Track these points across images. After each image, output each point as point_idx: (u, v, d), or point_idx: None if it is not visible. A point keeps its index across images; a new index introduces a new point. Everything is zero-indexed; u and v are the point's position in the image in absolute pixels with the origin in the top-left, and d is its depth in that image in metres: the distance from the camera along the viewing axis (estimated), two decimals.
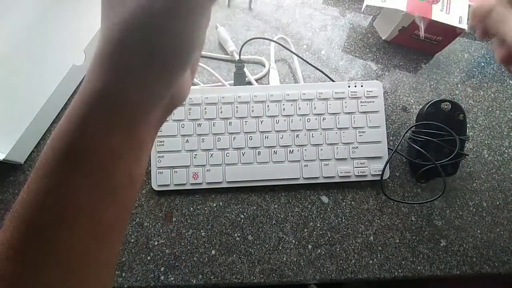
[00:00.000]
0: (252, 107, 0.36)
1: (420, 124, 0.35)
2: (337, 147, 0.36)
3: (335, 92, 0.36)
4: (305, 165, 0.35)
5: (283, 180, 0.35)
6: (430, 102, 0.35)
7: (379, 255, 0.34)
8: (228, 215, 0.35)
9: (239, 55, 0.39)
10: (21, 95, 0.37)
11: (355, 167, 0.35)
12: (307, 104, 0.36)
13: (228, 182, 0.35)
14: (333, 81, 0.39)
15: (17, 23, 0.41)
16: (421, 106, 0.40)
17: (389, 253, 0.34)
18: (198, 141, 0.35)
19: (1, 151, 0.34)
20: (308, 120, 0.36)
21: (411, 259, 0.33)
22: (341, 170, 0.35)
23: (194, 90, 0.38)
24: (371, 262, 0.33)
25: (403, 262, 0.33)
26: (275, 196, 0.35)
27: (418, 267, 0.33)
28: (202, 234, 0.34)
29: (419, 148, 0.33)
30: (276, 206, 0.35)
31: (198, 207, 0.35)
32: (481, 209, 0.36)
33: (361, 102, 0.36)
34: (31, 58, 0.39)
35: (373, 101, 0.36)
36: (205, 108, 0.36)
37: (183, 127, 0.35)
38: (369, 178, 0.35)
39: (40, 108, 0.36)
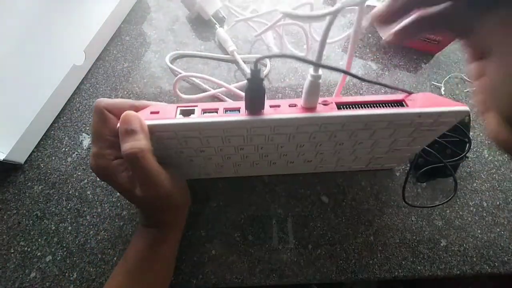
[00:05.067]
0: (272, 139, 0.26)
1: None
2: (360, 157, 0.31)
3: (399, 124, 0.25)
4: (320, 166, 0.34)
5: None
6: None
7: (379, 255, 0.33)
8: (228, 215, 0.35)
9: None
10: (22, 95, 0.37)
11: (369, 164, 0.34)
12: (349, 135, 0.26)
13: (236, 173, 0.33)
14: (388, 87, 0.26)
15: (17, 23, 0.41)
16: None
17: (389, 253, 0.34)
18: (204, 157, 0.29)
19: (1, 151, 0.34)
20: (341, 143, 0.28)
21: (411, 259, 0.33)
22: (355, 168, 0.34)
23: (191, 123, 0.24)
24: (371, 262, 0.33)
25: (403, 262, 0.33)
26: (275, 196, 0.35)
27: (418, 267, 0.33)
28: (202, 234, 0.34)
29: (428, 148, 0.33)
30: (276, 206, 0.35)
31: (198, 207, 0.35)
32: (481, 209, 0.35)
33: (425, 128, 0.26)
34: (31, 58, 0.39)
35: (435, 129, 0.26)
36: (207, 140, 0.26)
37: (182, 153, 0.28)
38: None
39: (40, 108, 0.36)
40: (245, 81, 0.22)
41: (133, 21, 0.46)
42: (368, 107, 0.24)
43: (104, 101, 0.24)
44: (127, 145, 0.22)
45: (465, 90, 0.41)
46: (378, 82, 0.24)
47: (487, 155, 0.38)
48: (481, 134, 0.39)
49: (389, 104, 0.24)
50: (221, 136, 0.25)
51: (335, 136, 0.26)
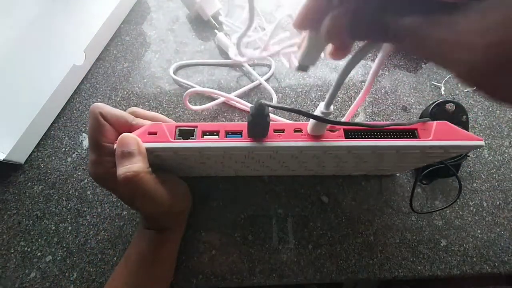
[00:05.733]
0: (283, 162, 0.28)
1: None
2: (363, 169, 0.32)
3: (408, 152, 0.24)
4: (321, 172, 0.34)
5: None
6: (436, 102, 0.35)
7: (379, 255, 0.33)
8: (228, 215, 0.35)
9: None
10: (22, 95, 0.37)
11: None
12: (355, 158, 0.26)
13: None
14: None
15: (17, 23, 0.41)
16: (421, 106, 0.40)
17: (389, 253, 0.34)
18: (204, 166, 0.30)
19: (1, 151, 0.34)
20: (345, 162, 0.28)
21: (411, 259, 0.33)
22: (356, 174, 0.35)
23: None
24: (371, 262, 0.33)
25: (403, 262, 0.33)
26: (275, 196, 0.35)
27: (418, 267, 0.33)
28: (202, 234, 0.34)
29: None
30: (276, 206, 0.35)
31: (198, 207, 0.35)
32: (481, 209, 0.35)
33: (435, 155, 0.25)
34: (32, 58, 0.39)
35: (446, 156, 0.26)
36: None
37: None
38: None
39: (40, 108, 0.36)
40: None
41: (133, 21, 0.46)
42: (378, 135, 0.23)
43: (100, 107, 0.23)
44: (122, 169, 0.21)
45: (465, 90, 0.41)
46: (393, 123, 0.22)
47: (487, 155, 0.38)
48: (481, 134, 0.39)
49: (401, 133, 0.23)
50: (222, 155, 0.25)
51: (340, 158, 0.26)
